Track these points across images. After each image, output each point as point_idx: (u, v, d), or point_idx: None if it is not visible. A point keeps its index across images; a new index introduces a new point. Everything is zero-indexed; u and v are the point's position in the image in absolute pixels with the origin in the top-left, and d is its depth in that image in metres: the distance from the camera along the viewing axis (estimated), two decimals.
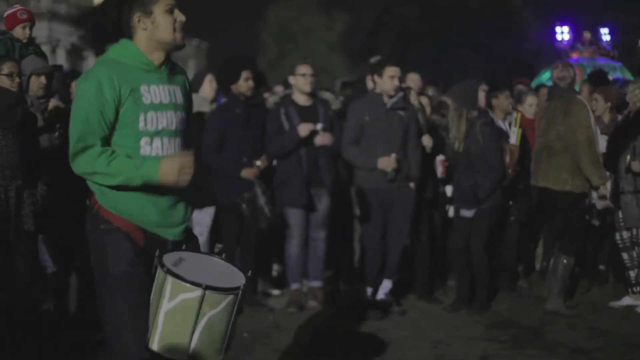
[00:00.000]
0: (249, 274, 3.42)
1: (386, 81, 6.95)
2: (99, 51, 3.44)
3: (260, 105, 7.55)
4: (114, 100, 3.26)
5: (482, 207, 6.98)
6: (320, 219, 7.23)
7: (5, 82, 5.26)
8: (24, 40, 6.62)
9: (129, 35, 3.37)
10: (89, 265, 3.43)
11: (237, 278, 3.34)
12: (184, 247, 3.46)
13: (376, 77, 7.07)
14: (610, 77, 10.61)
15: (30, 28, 6.73)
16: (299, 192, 7.01)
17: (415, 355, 5.83)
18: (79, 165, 3.29)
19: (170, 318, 3.17)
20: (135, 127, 3.30)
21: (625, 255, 7.06)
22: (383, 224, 7.00)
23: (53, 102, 6.37)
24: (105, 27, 3.44)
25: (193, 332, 3.15)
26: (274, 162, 7.27)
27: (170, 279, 3.15)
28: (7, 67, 5.30)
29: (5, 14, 6.76)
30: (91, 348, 5.68)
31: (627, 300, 7.05)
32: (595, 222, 7.25)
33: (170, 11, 3.38)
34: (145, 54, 3.36)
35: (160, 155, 3.34)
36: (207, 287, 3.14)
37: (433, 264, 7.65)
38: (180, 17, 3.41)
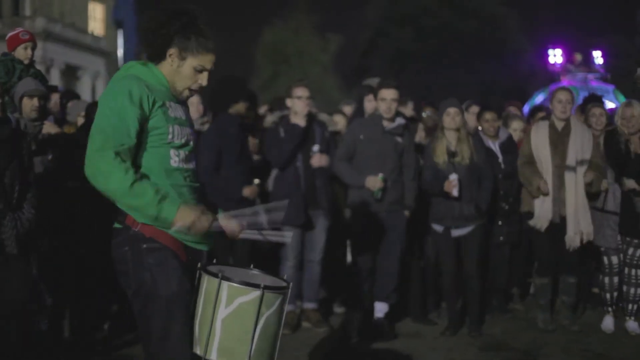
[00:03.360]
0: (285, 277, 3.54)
1: (379, 103, 6.97)
2: (148, 52, 3.39)
3: (251, 125, 7.55)
4: (146, 110, 3.26)
5: (478, 224, 6.95)
6: (317, 241, 7.23)
7: None
8: (26, 62, 6.65)
9: (159, 54, 3.39)
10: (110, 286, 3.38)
11: (277, 281, 3.45)
12: (214, 261, 3.52)
13: (374, 100, 7.09)
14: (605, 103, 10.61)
15: (32, 49, 6.77)
16: (296, 212, 6.98)
17: None
18: (102, 161, 3.13)
19: (229, 323, 3.23)
20: (165, 138, 3.33)
21: (606, 280, 7.12)
22: (374, 247, 6.96)
23: (47, 125, 6.36)
24: (153, 34, 3.41)
25: (254, 333, 3.24)
26: (271, 185, 7.26)
27: (226, 285, 3.23)
28: None
29: (8, 37, 6.82)
30: None
31: (608, 320, 7.13)
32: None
33: (200, 71, 3.41)
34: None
35: (183, 167, 3.40)
36: (265, 287, 3.24)
37: (426, 286, 7.64)
38: (203, 81, 3.44)
